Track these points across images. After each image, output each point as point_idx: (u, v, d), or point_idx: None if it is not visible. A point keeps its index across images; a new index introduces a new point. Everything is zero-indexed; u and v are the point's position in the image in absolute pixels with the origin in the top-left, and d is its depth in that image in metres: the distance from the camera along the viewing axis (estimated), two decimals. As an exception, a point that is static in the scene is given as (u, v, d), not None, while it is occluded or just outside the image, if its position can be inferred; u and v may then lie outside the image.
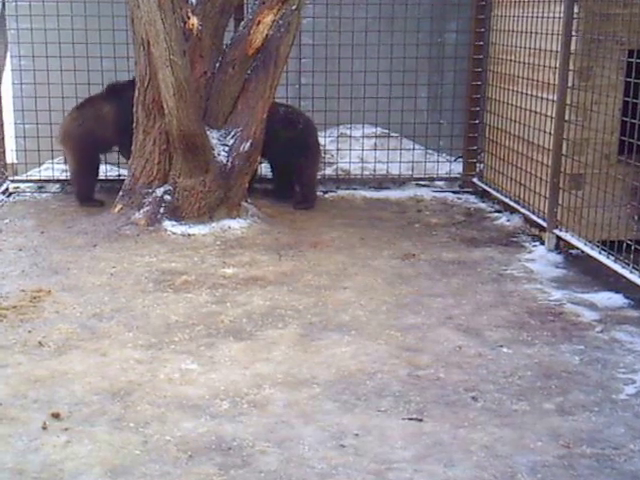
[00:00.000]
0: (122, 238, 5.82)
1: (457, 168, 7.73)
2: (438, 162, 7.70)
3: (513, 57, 6.73)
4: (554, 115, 5.89)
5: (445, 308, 4.83)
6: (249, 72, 6.18)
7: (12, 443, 3.34)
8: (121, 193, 6.28)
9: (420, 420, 3.59)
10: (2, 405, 3.63)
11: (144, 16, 5.61)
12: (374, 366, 4.07)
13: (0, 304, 4.71)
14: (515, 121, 6.67)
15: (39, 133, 7.15)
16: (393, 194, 7.46)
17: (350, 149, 7.66)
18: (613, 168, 5.56)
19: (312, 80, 7.46)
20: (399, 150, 7.68)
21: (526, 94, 6.46)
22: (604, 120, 5.53)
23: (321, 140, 7.21)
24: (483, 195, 7.40)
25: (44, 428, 3.44)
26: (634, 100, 5.12)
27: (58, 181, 7.33)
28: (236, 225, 6.06)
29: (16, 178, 7.39)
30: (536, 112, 6.25)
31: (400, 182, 7.69)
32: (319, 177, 7.27)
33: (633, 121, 5.07)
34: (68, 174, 7.05)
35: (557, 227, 5.85)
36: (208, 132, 6.06)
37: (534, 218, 6.24)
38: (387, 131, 7.77)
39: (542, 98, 6.16)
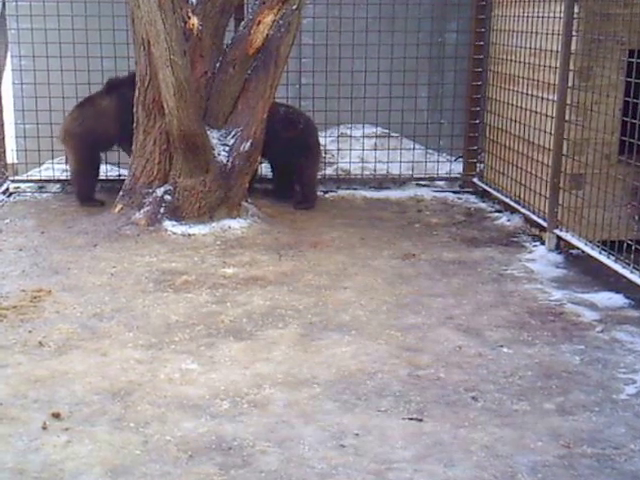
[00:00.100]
0: (122, 238, 5.82)
1: (457, 168, 7.73)
2: (438, 162, 7.70)
3: (513, 57, 6.72)
4: (554, 115, 5.88)
5: (445, 308, 4.83)
6: (249, 72, 6.18)
7: (12, 443, 3.34)
8: (121, 193, 6.29)
9: (420, 420, 3.59)
10: (2, 405, 3.63)
11: (144, 16, 5.61)
12: (374, 366, 4.07)
13: (0, 304, 4.71)
14: (515, 121, 6.67)
15: (39, 133, 7.15)
16: (393, 194, 7.46)
17: (350, 149, 7.66)
18: (613, 168, 5.56)
19: (312, 80, 7.46)
20: (399, 150, 7.68)
21: (526, 94, 6.46)
22: (604, 120, 5.53)
23: (321, 140, 7.21)
24: (483, 195, 7.40)
25: (44, 428, 3.44)
26: (634, 100, 5.12)
27: (58, 181, 7.33)
28: (236, 225, 6.06)
29: (16, 178, 7.39)
30: (536, 112, 6.25)
31: (400, 182, 7.69)
32: (319, 177, 7.27)
33: (633, 121, 5.07)
34: (68, 174, 7.05)
35: (557, 227, 5.85)
36: (208, 132, 6.06)
37: (534, 218, 6.23)
38: (387, 131, 7.77)
39: (542, 98, 6.16)
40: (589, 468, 3.26)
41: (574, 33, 5.68)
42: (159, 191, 6.09)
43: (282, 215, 6.57)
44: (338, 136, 7.66)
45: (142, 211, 6.03)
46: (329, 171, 7.63)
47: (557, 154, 5.83)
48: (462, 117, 7.66)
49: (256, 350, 4.22)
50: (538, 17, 6.23)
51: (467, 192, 7.57)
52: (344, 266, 5.48)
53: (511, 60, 6.77)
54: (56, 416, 3.53)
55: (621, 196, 5.53)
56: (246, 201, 6.32)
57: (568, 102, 5.74)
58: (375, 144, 7.73)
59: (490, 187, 7.25)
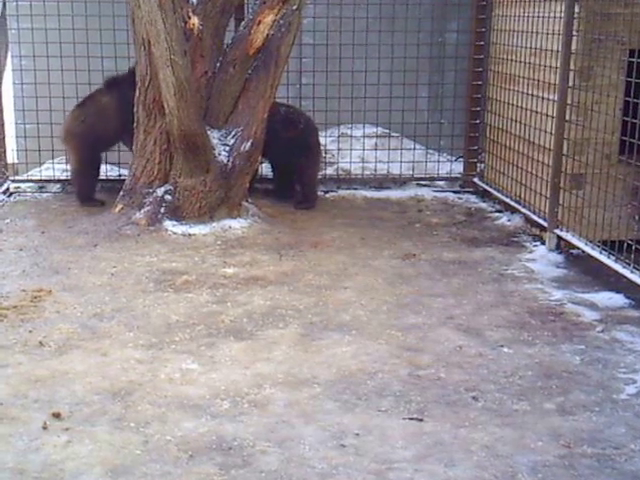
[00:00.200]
0: (123, 238, 5.83)
1: (458, 168, 7.73)
2: (439, 162, 7.70)
3: (514, 57, 6.72)
4: (555, 115, 5.88)
5: (446, 308, 4.83)
6: (250, 72, 6.19)
7: (13, 443, 3.34)
8: (122, 193, 6.29)
9: (421, 420, 3.59)
10: (3, 405, 3.63)
11: (145, 16, 5.61)
12: (375, 366, 4.07)
13: (1, 304, 4.71)
14: (516, 121, 6.66)
15: (40, 133, 7.15)
16: (394, 194, 7.46)
17: (351, 149, 7.66)
18: (614, 168, 5.56)
19: (313, 80, 7.46)
20: (400, 150, 7.68)
21: (527, 94, 6.46)
22: (605, 120, 5.53)
23: (322, 140, 7.21)
24: (484, 195, 7.39)
25: (45, 428, 3.44)
26: (635, 100, 5.12)
27: (59, 181, 7.33)
28: (237, 225, 6.06)
29: (17, 178, 7.39)
30: (537, 112, 6.25)
31: (401, 182, 7.69)
32: (320, 177, 7.27)
33: (634, 121, 5.07)
34: (69, 174, 7.06)
35: (558, 227, 5.85)
36: (209, 132, 6.07)
37: (535, 218, 6.23)
38: (388, 131, 7.77)
39: (543, 98, 6.16)
40: (589, 468, 3.26)
41: (574, 33, 5.68)
42: (159, 191, 6.10)
43: (282, 215, 6.57)
44: (338, 136, 7.66)
45: (142, 211, 6.03)
46: (329, 171, 7.63)
47: (557, 154, 5.83)
48: (462, 117, 7.66)
49: (256, 350, 4.22)
50: (538, 17, 6.23)
51: (467, 192, 7.56)
52: (344, 266, 5.48)
53: (511, 60, 6.77)
54: (56, 416, 3.53)
55: (621, 196, 5.53)
56: (246, 201, 6.32)
57: (568, 102, 5.73)
58: (375, 144, 7.73)
59: (490, 187, 7.25)
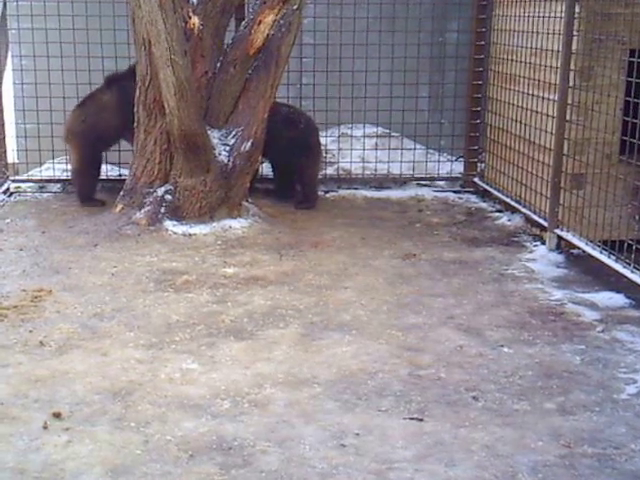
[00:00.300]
0: (123, 238, 5.83)
1: (458, 168, 7.73)
2: (439, 162, 7.70)
3: (514, 57, 6.72)
4: (555, 115, 5.88)
5: (446, 308, 4.83)
6: (250, 72, 6.19)
7: (13, 443, 3.34)
8: (122, 193, 6.29)
9: (421, 420, 3.59)
10: (3, 405, 3.63)
11: (145, 16, 5.61)
12: (375, 366, 4.07)
13: (1, 304, 4.71)
14: (516, 121, 6.66)
15: (40, 133, 7.16)
16: (394, 194, 7.46)
17: (351, 149, 7.66)
18: (614, 168, 5.56)
19: (313, 80, 7.46)
20: (400, 150, 7.68)
21: (527, 94, 6.46)
22: (605, 120, 5.53)
23: (322, 140, 7.21)
24: (484, 195, 7.39)
25: (45, 428, 3.44)
26: (635, 100, 5.12)
27: (59, 181, 7.33)
28: (237, 225, 6.06)
29: (17, 178, 7.39)
30: (537, 112, 6.25)
31: (401, 182, 7.69)
32: (320, 177, 7.27)
33: (634, 121, 5.07)
34: (69, 174, 7.06)
35: (558, 227, 5.85)
36: (209, 132, 6.07)
37: (535, 218, 6.23)
38: (388, 131, 7.77)
39: (543, 98, 6.16)
40: (590, 468, 3.26)
41: (575, 33, 5.67)
42: (160, 191, 6.10)
43: (283, 215, 6.57)
44: (339, 136, 7.66)
45: (143, 211, 6.04)
46: (330, 171, 7.63)
47: (558, 154, 5.83)
48: (463, 117, 7.66)
49: (257, 350, 4.22)
50: (539, 17, 6.22)
51: (468, 192, 7.56)
52: (345, 266, 5.48)
53: (512, 60, 6.76)
54: (57, 416, 3.53)
55: (622, 196, 5.53)
56: (247, 201, 6.32)
57: (569, 102, 5.73)
58: (376, 144, 7.73)
59: (491, 187, 7.25)
